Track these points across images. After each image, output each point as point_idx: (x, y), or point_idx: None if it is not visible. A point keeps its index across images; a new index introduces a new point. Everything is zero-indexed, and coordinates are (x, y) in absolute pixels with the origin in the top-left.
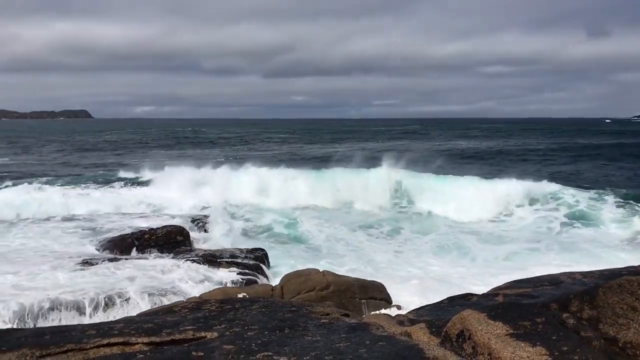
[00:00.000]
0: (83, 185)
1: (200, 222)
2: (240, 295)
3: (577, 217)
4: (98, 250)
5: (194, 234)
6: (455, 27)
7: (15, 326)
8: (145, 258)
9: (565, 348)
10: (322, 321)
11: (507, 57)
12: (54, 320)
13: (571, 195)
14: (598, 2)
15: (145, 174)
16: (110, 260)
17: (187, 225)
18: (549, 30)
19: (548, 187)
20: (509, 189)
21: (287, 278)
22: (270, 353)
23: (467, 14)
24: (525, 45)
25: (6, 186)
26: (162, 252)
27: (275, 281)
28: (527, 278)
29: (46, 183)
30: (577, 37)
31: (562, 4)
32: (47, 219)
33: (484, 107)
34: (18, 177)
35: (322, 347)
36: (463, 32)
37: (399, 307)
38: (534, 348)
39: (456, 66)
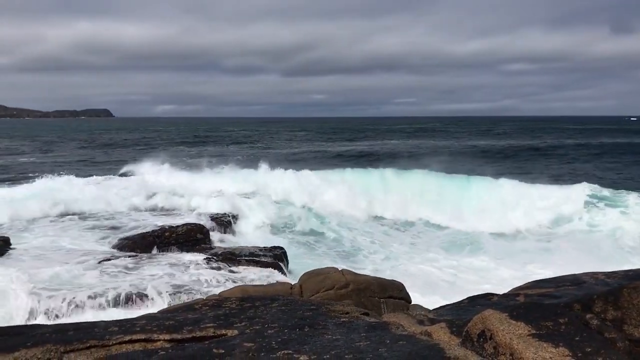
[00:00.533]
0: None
1: (222, 220)
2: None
3: None
4: (117, 248)
5: (213, 233)
6: (476, 24)
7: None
8: (165, 255)
9: (589, 349)
10: (341, 320)
11: (529, 54)
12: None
13: None
14: None
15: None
16: (131, 257)
17: (207, 224)
18: (573, 27)
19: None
20: None
21: (306, 276)
22: (290, 351)
23: (489, 11)
24: (549, 42)
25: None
26: (181, 250)
27: (294, 279)
28: (549, 278)
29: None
30: (601, 33)
31: (584, 0)
32: (80, 215)
33: (505, 105)
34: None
35: (342, 345)
36: (485, 30)
37: (418, 307)
38: (557, 349)
39: (477, 64)
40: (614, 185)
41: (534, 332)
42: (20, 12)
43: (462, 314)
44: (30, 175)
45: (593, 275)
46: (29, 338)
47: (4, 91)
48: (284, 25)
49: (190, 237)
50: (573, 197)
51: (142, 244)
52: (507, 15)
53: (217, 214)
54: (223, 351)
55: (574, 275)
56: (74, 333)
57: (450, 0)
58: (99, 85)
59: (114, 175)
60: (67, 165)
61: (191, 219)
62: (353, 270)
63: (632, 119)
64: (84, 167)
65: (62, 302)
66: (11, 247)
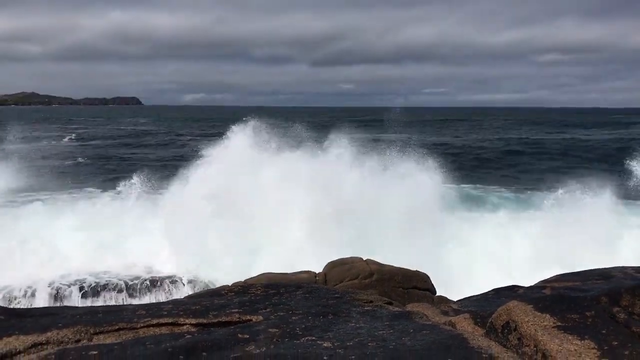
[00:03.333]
0: None
1: None
2: None
3: None
4: None
5: None
6: (511, 14)
7: None
8: None
9: (616, 342)
10: (365, 308)
11: (564, 45)
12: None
13: None
14: None
15: None
16: None
17: None
18: (609, 18)
19: None
20: None
21: (331, 265)
22: (314, 338)
23: (525, 1)
24: (584, 32)
25: None
26: None
27: (319, 268)
28: (577, 272)
29: None
30: (638, 24)
31: None
32: None
33: (538, 96)
34: None
35: (365, 333)
36: (519, 20)
37: (443, 298)
38: (582, 341)
39: (510, 54)
40: None
41: (560, 324)
42: (56, 1)
43: (486, 306)
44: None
45: (622, 269)
46: (61, 319)
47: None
48: (316, 15)
49: None
50: None
51: None
52: (543, 5)
53: None
54: (248, 336)
55: (603, 269)
56: (103, 315)
57: None
58: (129, 74)
59: None
60: None
61: None
62: (377, 261)
63: None
64: None
65: None
66: None
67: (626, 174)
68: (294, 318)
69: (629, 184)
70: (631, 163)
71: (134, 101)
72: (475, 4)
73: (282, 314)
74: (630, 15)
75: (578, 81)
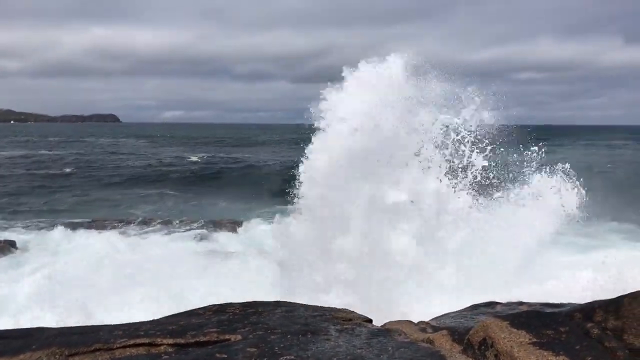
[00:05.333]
0: None
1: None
2: None
3: None
4: None
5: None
6: (490, 33)
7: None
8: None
9: (589, 358)
10: (344, 326)
11: (540, 63)
12: None
13: None
14: (636, 7)
15: None
16: None
17: None
18: (584, 37)
19: None
20: None
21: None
22: (292, 357)
23: (504, 20)
24: (560, 51)
25: None
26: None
27: None
28: None
29: None
30: (612, 43)
31: (599, 9)
32: None
33: (514, 114)
34: None
35: (344, 352)
36: (497, 39)
37: (421, 315)
38: (557, 357)
39: (488, 72)
40: None
41: (535, 340)
42: (37, 17)
43: (464, 322)
44: None
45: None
46: (34, 341)
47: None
48: (298, 32)
49: None
50: None
51: None
52: (521, 24)
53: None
54: (226, 356)
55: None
56: (78, 336)
57: (466, 8)
58: (108, 90)
59: None
60: None
61: None
62: None
63: None
64: None
65: None
66: None
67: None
68: (272, 337)
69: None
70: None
71: (112, 118)
72: (454, 22)
73: (260, 333)
74: (604, 34)
75: (553, 99)
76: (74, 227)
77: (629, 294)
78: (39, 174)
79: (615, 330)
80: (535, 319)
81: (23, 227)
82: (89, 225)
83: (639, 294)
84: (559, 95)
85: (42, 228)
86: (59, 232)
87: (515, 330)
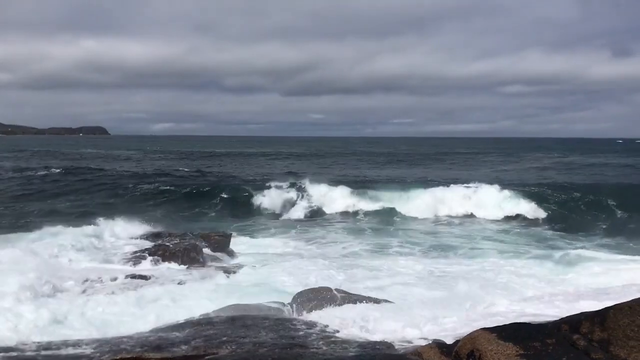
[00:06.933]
0: None
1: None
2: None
3: None
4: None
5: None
6: (480, 47)
7: None
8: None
9: None
10: (332, 340)
11: (528, 76)
12: None
13: None
14: (623, 22)
15: None
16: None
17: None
18: (572, 50)
19: None
20: None
21: (299, 295)
22: None
23: (494, 33)
24: (548, 65)
25: None
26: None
27: (288, 299)
28: None
29: None
30: (600, 57)
31: (587, 24)
32: None
33: (503, 127)
34: None
35: None
36: (487, 52)
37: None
38: None
39: (478, 86)
40: None
41: (522, 352)
42: (27, 29)
43: (452, 335)
44: None
45: None
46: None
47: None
48: (289, 45)
49: (184, 255)
50: None
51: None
52: (509, 39)
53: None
54: None
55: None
56: (63, 351)
57: (455, 22)
58: (97, 103)
59: None
60: None
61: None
62: (347, 290)
63: (618, 141)
64: None
65: None
66: None
67: None
68: (260, 351)
69: None
70: None
71: (101, 131)
72: (444, 36)
73: (248, 347)
74: (592, 48)
75: (542, 112)
76: None
77: (614, 305)
78: None
79: (601, 342)
80: (523, 331)
81: None
82: None
83: (624, 306)
84: (548, 108)
85: None
86: None
87: (502, 342)
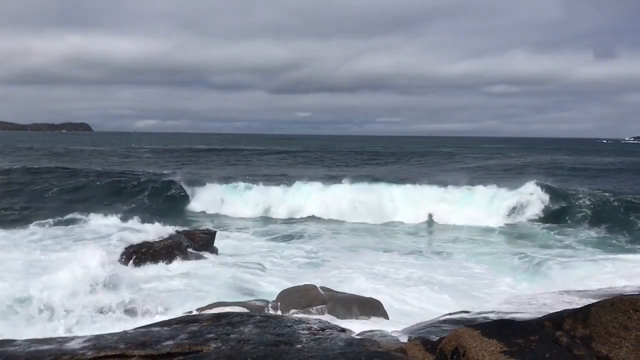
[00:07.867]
0: None
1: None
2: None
3: None
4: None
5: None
6: (466, 46)
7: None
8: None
9: None
10: (317, 336)
11: (514, 76)
12: None
13: None
14: (607, 24)
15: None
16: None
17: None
18: (557, 51)
19: None
20: None
21: (284, 293)
22: None
23: (481, 34)
24: (533, 65)
25: None
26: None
27: (272, 297)
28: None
29: None
30: (584, 58)
31: (571, 25)
32: None
33: (488, 126)
34: None
35: None
36: (473, 52)
37: (395, 324)
38: None
39: (463, 85)
40: None
41: (506, 349)
42: (12, 24)
43: (437, 331)
44: None
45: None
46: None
47: None
48: (276, 43)
49: (167, 253)
50: None
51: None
52: (495, 39)
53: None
54: None
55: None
56: (46, 349)
57: (442, 22)
58: (81, 99)
59: None
60: None
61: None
62: (332, 288)
63: (603, 141)
64: None
65: None
66: None
67: None
68: (245, 348)
69: None
70: None
71: (84, 127)
72: (431, 36)
73: (233, 344)
74: (576, 49)
75: (526, 112)
76: None
77: (596, 302)
78: None
79: (583, 339)
80: (506, 328)
81: None
82: None
83: (607, 303)
84: (532, 108)
85: None
86: None
87: (486, 339)
